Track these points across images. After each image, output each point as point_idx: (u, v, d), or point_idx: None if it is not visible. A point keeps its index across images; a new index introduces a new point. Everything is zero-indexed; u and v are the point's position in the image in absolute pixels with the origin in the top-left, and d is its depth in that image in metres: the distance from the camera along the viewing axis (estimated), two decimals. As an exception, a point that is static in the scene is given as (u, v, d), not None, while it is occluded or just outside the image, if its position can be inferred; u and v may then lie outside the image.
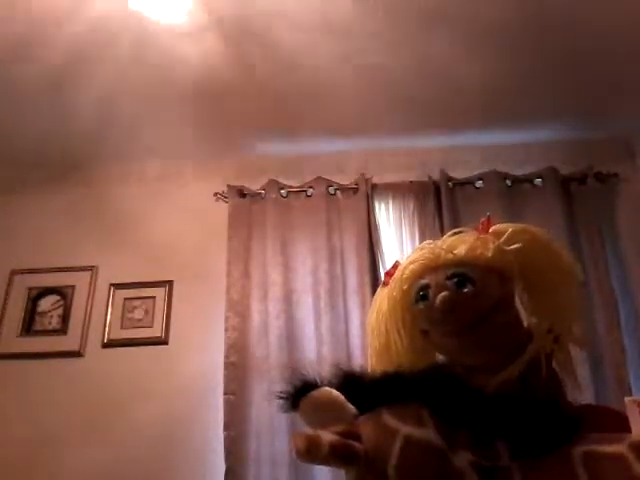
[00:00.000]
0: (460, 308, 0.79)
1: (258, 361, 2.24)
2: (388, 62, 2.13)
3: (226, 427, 2.13)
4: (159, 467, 2.17)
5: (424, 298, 0.82)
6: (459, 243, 0.87)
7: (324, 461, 0.58)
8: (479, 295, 0.80)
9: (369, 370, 0.88)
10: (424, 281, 0.84)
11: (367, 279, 2.32)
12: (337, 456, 0.58)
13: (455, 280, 0.80)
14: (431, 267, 0.85)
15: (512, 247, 0.83)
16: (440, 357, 0.87)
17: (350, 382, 0.69)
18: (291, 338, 2.26)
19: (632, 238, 2.42)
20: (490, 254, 0.82)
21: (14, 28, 1.89)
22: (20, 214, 2.66)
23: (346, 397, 0.67)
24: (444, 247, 0.87)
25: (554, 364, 0.81)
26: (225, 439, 2.11)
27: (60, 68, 2.06)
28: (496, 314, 0.80)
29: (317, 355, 2.23)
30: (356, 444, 0.60)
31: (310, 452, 0.58)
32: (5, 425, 2.25)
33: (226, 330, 2.28)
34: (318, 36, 1.99)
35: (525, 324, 0.84)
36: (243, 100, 2.31)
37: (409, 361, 0.85)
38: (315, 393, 0.66)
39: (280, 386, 0.69)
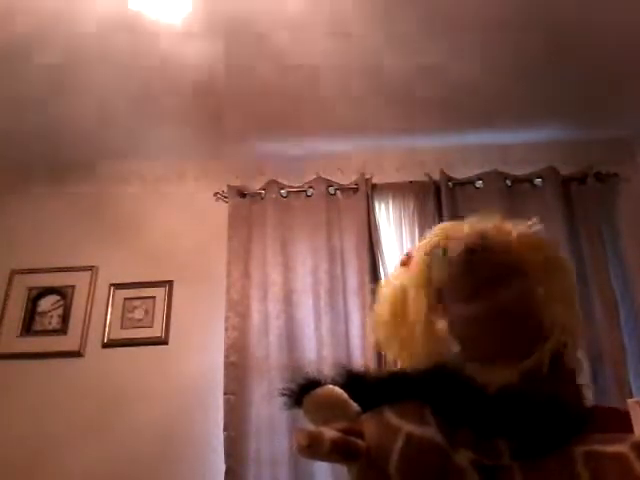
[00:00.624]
0: (482, 256, 0.79)
1: (258, 361, 2.24)
2: (388, 62, 2.13)
3: (226, 427, 2.13)
4: (159, 467, 2.16)
5: (443, 254, 0.82)
6: (482, 225, 0.87)
7: (325, 457, 0.59)
8: (501, 254, 0.80)
9: (376, 343, 0.88)
10: (443, 243, 0.84)
11: (367, 279, 2.32)
12: (338, 452, 0.59)
13: (479, 242, 0.81)
14: (454, 237, 0.85)
15: (530, 243, 0.84)
16: (453, 349, 0.85)
17: (353, 380, 0.69)
18: (291, 338, 2.26)
19: (632, 238, 2.42)
20: (511, 239, 0.83)
21: (15, 28, 1.89)
22: (20, 214, 2.66)
23: (349, 395, 0.67)
24: (467, 225, 0.87)
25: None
26: (225, 439, 2.11)
27: (60, 68, 2.07)
28: (516, 280, 0.79)
29: (317, 355, 2.23)
30: (358, 441, 0.60)
31: (311, 447, 0.58)
32: (5, 425, 2.25)
33: (226, 330, 2.28)
34: (318, 36, 1.99)
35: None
36: (243, 100, 2.31)
37: (421, 345, 0.83)
38: (319, 391, 0.66)
39: (282, 385, 0.69)
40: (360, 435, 0.62)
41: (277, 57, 2.08)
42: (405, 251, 0.97)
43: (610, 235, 2.44)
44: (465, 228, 0.86)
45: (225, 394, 2.18)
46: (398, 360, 0.89)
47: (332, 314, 2.28)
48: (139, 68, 2.10)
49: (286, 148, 2.65)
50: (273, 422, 2.12)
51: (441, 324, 0.85)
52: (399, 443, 0.60)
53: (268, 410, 2.14)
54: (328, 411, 0.65)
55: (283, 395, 0.68)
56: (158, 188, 2.67)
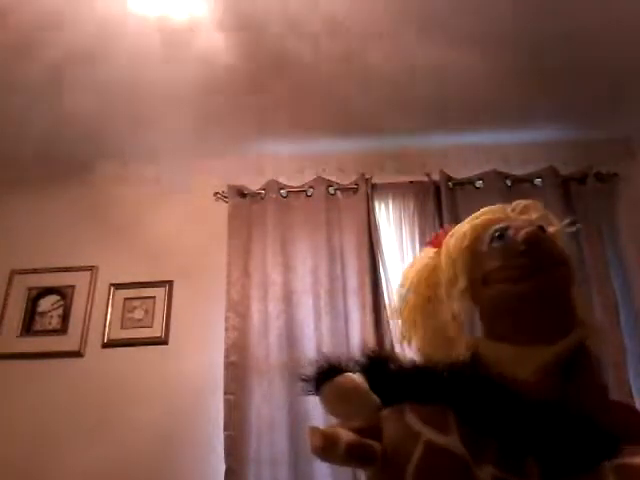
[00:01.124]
0: (544, 244, 0.78)
1: (258, 361, 2.24)
2: (388, 62, 2.13)
3: (226, 427, 2.13)
4: (159, 467, 2.16)
5: (501, 237, 0.80)
6: (531, 216, 0.88)
7: (339, 461, 0.57)
8: (553, 243, 0.80)
9: (401, 325, 0.85)
10: (502, 225, 0.82)
11: (367, 279, 2.32)
12: (353, 457, 0.56)
13: (537, 226, 0.80)
14: (504, 220, 0.85)
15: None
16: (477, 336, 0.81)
17: (377, 368, 0.66)
18: (291, 338, 2.26)
19: (632, 238, 2.42)
20: (557, 230, 0.85)
21: (14, 28, 1.89)
22: (20, 214, 2.66)
23: (371, 383, 0.64)
24: (511, 212, 0.89)
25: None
26: (225, 439, 2.11)
27: (60, 68, 2.06)
28: (561, 266, 0.79)
29: (317, 355, 2.22)
30: (374, 444, 0.58)
31: (326, 450, 0.56)
32: (5, 425, 2.25)
33: (226, 330, 2.28)
34: (319, 36, 1.99)
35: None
36: (243, 100, 2.31)
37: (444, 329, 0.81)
38: (340, 379, 0.63)
39: (302, 372, 0.65)
40: (378, 434, 0.60)
41: (277, 57, 2.08)
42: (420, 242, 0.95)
43: (610, 235, 2.44)
44: (515, 215, 0.87)
45: (225, 394, 2.18)
46: (418, 346, 0.85)
47: (332, 314, 2.28)
48: (139, 68, 2.09)
49: (286, 148, 2.65)
50: (273, 422, 2.12)
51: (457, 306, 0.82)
52: (418, 451, 0.57)
53: (268, 410, 2.14)
54: (347, 402, 0.62)
55: (304, 380, 0.65)
56: (158, 188, 2.67)
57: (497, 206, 0.91)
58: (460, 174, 2.54)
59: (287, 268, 2.38)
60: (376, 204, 2.54)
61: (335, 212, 2.51)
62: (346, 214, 2.50)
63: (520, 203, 0.90)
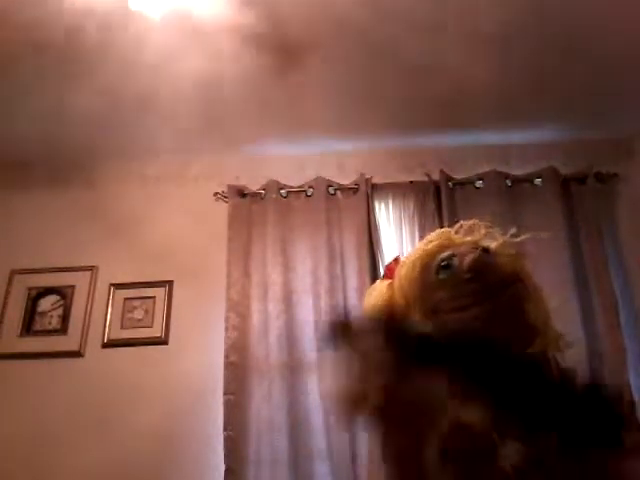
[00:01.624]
0: (490, 267, 0.79)
1: (258, 361, 2.24)
2: (388, 62, 2.13)
3: (226, 427, 2.13)
4: (159, 467, 2.17)
5: (447, 267, 0.82)
6: (477, 236, 0.88)
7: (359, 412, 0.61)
8: (500, 266, 0.81)
9: None
10: (447, 252, 0.83)
11: (367, 279, 2.32)
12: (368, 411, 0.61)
13: (480, 249, 0.81)
14: (449, 247, 0.86)
15: (520, 253, 0.86)
16: None
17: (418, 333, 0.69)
18: (291, 338, 2.26)
19: (632, 238, 2.43)
20: (505, 247, 0.84)
21: (14, 28, 1.89)
22: (20, 214, 2.66)
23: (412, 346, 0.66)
24: (456, 235, 0.89)
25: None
26: (225, 439, 2.11)
27: (60, 68, 2.06)
28: (514, 287, 0.80)
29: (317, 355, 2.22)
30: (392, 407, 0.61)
31: (354, 403, 0.60)
32: (5, 425, 2.25)
33: (226, 330, 2.28)
34: (318, 36, 1.99)
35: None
36: (243, 100, 2.31)
37: None
38: (358, 319, 0.67)
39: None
40: (400, 395, 0.62)
41: (277, 57, 2.08)
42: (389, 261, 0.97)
43: (610, 235, 2.44)
44: (460, 239, 0.87)
45: (225, 394, 2.18)
46: None
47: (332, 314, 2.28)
48: (139, 68, 2.09)
49: (286, 148, 2.65)
50: (273, 422, 2.12)
51: None
52: (444, 424, 0.59)
53: (268, 410, 2.14)
54: (365, 336, 0.66)
55: (327, 327, 0.68)
56: (158, 188, 2.67)
57: (442, 231, 0.91)
58: (460, 174, 2.55)
59: (287, 268, 2.38)
60: (376, 204, 2.54)
61: (335, 212, 2.51)
62: (346, 214, 2.50)
63: (464, 224, 0.92)
